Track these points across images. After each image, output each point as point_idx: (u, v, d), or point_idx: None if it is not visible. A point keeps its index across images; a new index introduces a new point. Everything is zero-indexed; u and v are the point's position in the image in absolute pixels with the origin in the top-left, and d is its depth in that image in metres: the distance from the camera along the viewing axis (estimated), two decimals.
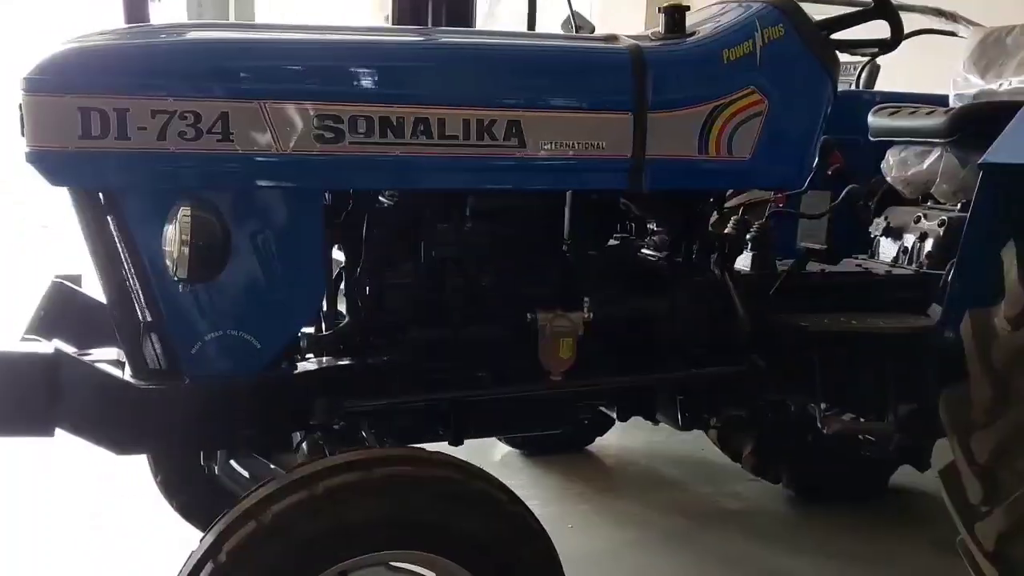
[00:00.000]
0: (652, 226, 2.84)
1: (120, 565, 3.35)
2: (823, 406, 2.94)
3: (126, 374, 2.26)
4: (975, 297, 2.69)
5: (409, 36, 2.54)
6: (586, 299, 2.49)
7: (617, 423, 3.10)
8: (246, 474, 3.26)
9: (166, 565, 2.12)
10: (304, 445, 2.51)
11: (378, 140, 2.19)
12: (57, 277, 2.75)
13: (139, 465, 3.15)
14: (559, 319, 2.45)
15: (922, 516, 4.02)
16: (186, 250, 1.99)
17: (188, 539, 2.13)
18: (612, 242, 2.75)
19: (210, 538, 1.85)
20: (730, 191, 2.94)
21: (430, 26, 3.00)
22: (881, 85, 4.24)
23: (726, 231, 2.90)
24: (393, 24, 3.09)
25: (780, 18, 2.56)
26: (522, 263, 2.57)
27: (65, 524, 3.61)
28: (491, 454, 4.45)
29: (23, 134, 2.09)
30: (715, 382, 2.69)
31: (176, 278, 2.04)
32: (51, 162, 2.05)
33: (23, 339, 2.26)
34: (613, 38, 2.58)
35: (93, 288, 2.79)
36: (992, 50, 3.49)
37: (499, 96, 2.29)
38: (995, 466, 2.45)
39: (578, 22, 3.50)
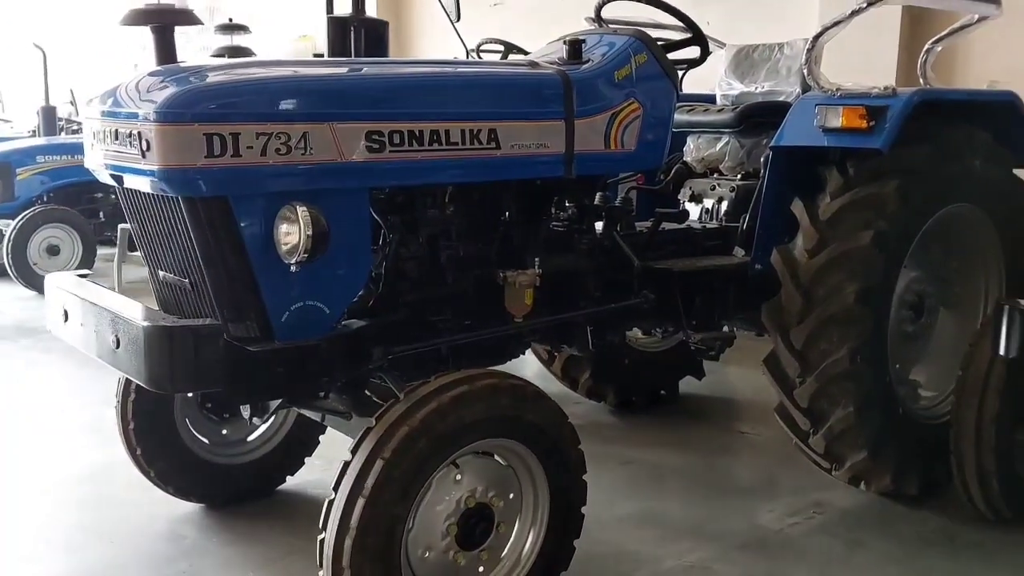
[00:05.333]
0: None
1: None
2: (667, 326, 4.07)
3: None
4: (773, 239, 3.89)
5: (418, 68, 3.25)
6: (536, 259, 3.37)
7: None
8: (206, 440, 3.84)
9: None
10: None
11: (407, 148, 2.91)
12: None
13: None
14: (522, 275, 3.30)
15: (705, 410, 5.34)
16: (310, 238, 2.62)
17: None
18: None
19: (369, 444, 2.52)
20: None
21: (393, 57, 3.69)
22: None
23: (595, 203, 3.87)
24: (327, 49, 3.73)
25: (643, 47, 3.58)
26: (485, 237, 3.37)
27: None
28: None
29: (144, 156, 2.61)
30: (621, 313, 3.68)
31: (295, 262, 2.65)
32: (180, 177, 2.58)
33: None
34: (536, 64, 3.46)
35: None
36: (744, 62, 4.76)
37: (483, 111, 3.10)
38: (807, 349, 3.64)
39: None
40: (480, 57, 6.30)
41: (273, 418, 3.88)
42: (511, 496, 2.83)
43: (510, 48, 6.25)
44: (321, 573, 2.56)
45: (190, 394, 3.52)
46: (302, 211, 2.63)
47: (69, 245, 8.67)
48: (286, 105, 2.71)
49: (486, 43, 6.38)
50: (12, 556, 3.49)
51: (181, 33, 2.96)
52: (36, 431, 4.91)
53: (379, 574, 2.50)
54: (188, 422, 3.76)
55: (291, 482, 4.03)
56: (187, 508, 3.81)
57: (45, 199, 9.11)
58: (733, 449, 4.83)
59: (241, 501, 3.85)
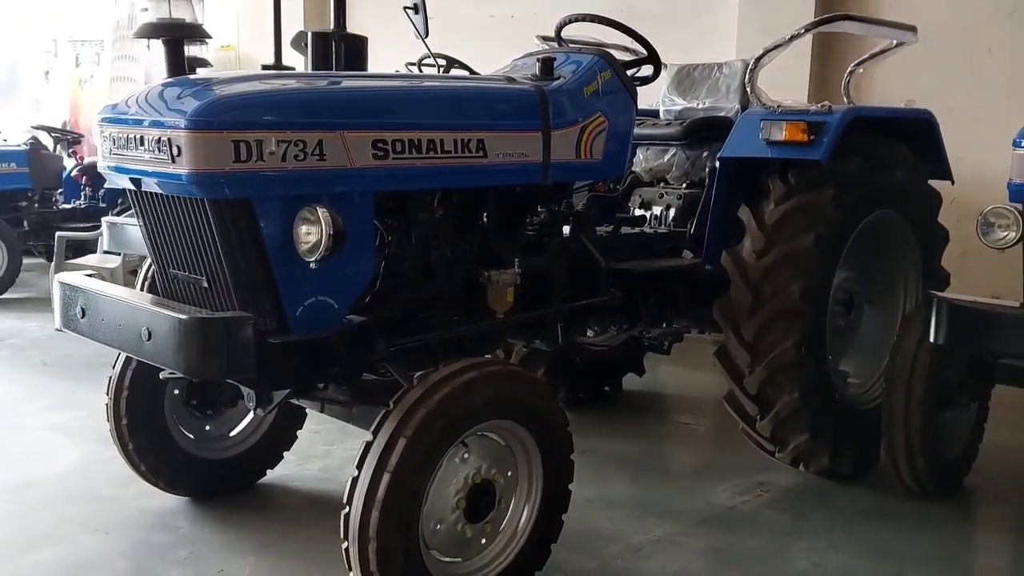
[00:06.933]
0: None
1: None
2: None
3: None
4: (720, 243, 4.25)
5: (415, 82, 3.50)
6: (516, 260, 3.64)
7: None
8: (192, 436, 3.99)
9: None
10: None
11: (408, 156, 3.16)
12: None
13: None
14: (505, 275, 3.57)
15: (647, 404, 5.72)
16: (331, 237, 2.83)
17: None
18: None
19: (391, 425, 2.75)
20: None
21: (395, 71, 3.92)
22: None
23: (561, 209, 4.16)
24: (309, 62, 3.95)
25: (607, 65, 3.89)
26: (469, 239, 3.62)
27: None
28: None
29: (173, 161, 2.79)
30: (590, 309, 3.98)
31: (315, 259, 2.86)
32: (208, 181, 2.77)
33: None
34: (513, 80, 3.75)
35: None
36: (685, 80, 5.15)
37: (472, 122, 3.36)
38: (756, 341, 4.01)
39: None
40: (421, 70, 6.56)
41: (253, 416, 4.07)
42: (509, 474, 3.10)
43: (452, 63, 6.53)
44: (345, 544, 2.78)
45: (173, 387, 3.69)
46: (323, 212, 2.84)
47: None
48: (304, 115, 2.94)
49: (428, 57, 6.64)
50: (3, 548, 3.57)
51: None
52: (1, 433, 4.93)
53: (402, 543, 2.74)
54: (176, 419, 3.91)
55: (269, 475, 4.21)
56: (174, 501, 3.96)
57: None
58: (677, 438, 5.20)
59: (226, 494, 4.01)
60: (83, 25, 12.82)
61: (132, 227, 5.74)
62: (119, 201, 8.44)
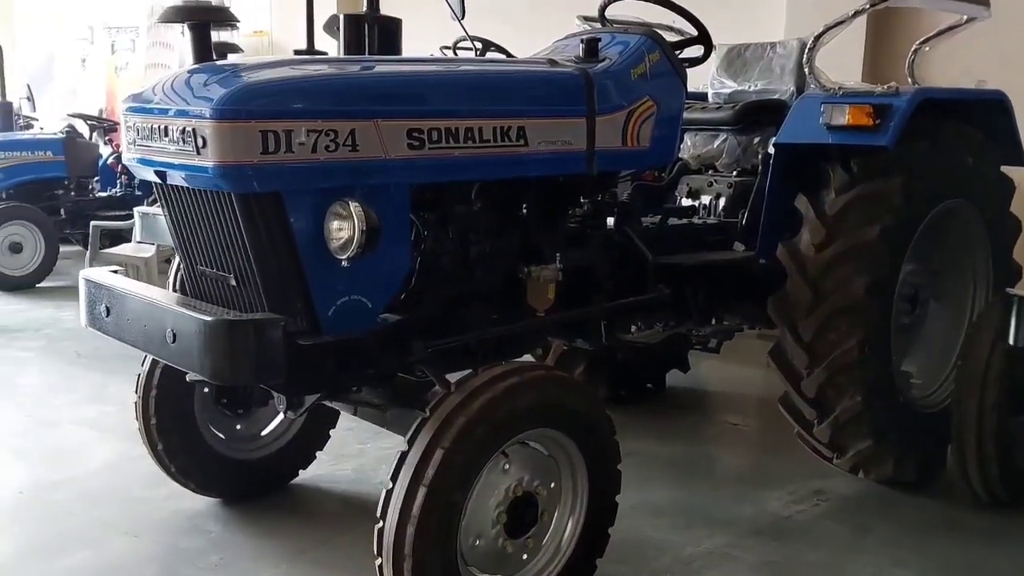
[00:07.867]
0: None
1: None
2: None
3: None
4: (776, 235, 4.00)
5: (452, 67, 3.30)
6: (558, 255, 3.43)
7: None
8: (223, 436, 3.85)
9: None
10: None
11: (444, 146, 2.96)
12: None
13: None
14: (546, 270, 3.36)
15: (692, 403, 5.50)
16: (363, 233, 2.65)
17: None
18: None
19: (427, 434, 2.57)
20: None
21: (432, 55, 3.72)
22: None
23: (605, 200, 3.94)
24: (341, 46, 3.76)
25: (655, 46, 3.66)
26: (509, 233, 3.41)
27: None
28: None
29: (198, 153, 2.61)
30: (636, 307, 3.76)
31: (348, 257, 2.68)
32: (235, 173, 2.59)
33: None
34: (555, 62, 3.53)
35: None
36: (736, 61, 4.89)
37: (513, 109, 3.15)
38: (815, 341, 3.77)
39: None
40: (456, 54, 6.35)
41: (284, 415, 3.90)
42: (552, 485, 2.91)
43: (488, 45, 6.31)
44: (379, 561, 2.60)
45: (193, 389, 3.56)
46: (355, 207, 2.66)
47: (32, 243, 8.49)
48: (336, 103, 2.74)
49: (464, 40, 6.42)
50: (34, 551, 3.45)
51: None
52: (33, 427, 4.84)
53: (439, 560, 2.55)
54: (206, 418, 3.77)
55: (302, 476, 4.05)
56: (205, 503, 3.81)
57: (4, 196, 8.93)
58: (725, 440, 4.97)
59: (257, 495, 3.86)
60: (119, 12, 12.78)
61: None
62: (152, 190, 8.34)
